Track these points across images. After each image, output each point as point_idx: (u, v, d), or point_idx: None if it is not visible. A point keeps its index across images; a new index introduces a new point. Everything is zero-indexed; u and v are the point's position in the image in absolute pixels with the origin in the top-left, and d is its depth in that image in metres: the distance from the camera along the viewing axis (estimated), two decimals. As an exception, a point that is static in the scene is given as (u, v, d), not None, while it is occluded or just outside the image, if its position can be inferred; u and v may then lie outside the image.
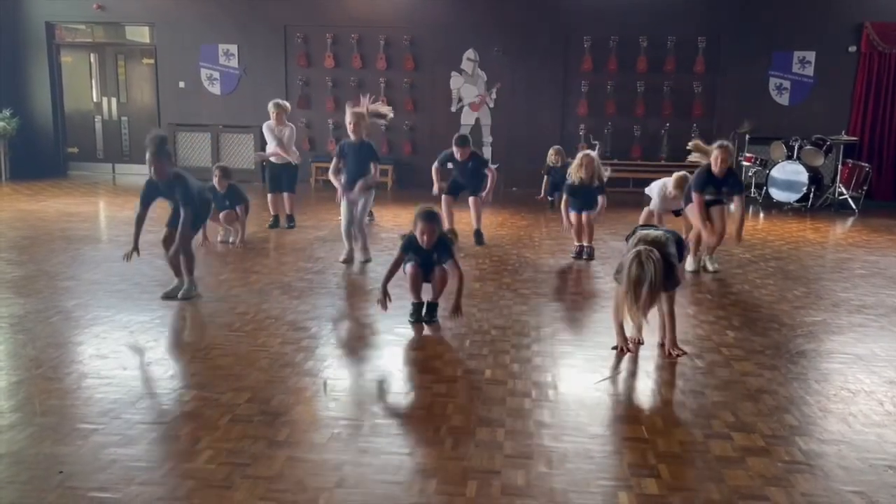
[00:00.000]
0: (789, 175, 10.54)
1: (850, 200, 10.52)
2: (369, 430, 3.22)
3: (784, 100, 11.83)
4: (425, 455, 3.03)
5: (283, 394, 3.60)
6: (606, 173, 6.88)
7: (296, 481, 2.77)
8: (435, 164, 7.72)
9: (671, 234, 4.30)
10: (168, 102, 12.77)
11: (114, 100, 13.15)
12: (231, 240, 7.25)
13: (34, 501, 2.61)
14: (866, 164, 10.84)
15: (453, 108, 12.26)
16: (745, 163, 11.12)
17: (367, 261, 6.50)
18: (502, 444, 3.10)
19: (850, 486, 2.82)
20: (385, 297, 4.62)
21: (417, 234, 4.67)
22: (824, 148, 10.64)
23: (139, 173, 13.01)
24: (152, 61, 12.82)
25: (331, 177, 6.57)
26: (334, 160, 6.55)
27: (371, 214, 8.64)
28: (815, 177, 10.64)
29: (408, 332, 4.63)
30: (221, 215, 7.19)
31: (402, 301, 5.00)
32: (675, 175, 7.00)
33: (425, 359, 4.23)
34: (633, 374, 4.03)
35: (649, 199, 7.48)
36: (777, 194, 10.63)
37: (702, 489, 2.78)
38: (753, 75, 11.72)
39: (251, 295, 5.40)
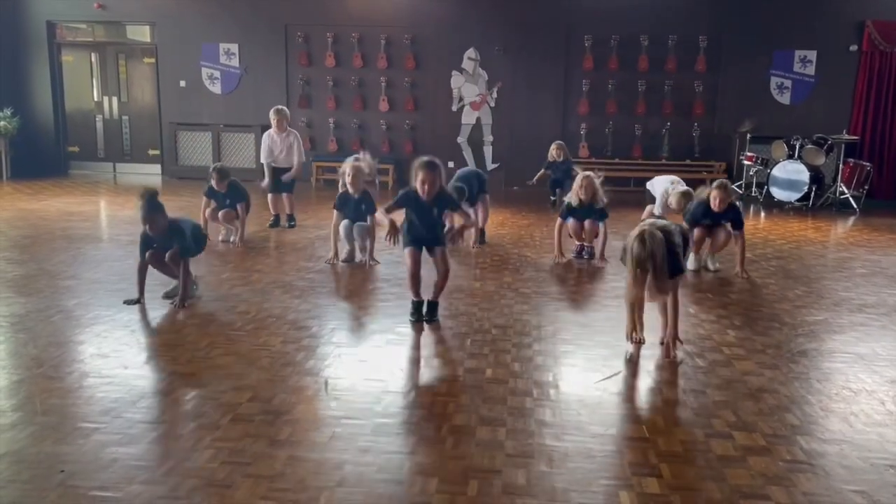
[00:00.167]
0: (790, 174, 10.53)
1: (851, 199, 10.51)
2: (370, 430, 3.22)
3: (785, 99, 11.82)
4: (426, 454, 3.03)
5: (285, 393, 3.60)
6: (605, 200, 6.70)
7: (297, 480, 2.77)
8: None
9: (678, 227, 4.33)
10: (169, 101, 12.77)
11: (115, 99, 13.15)
12: (231, 239, 7.25)
13: (35, 500, 2.61)
14: (867, 164, 10.83)
15: (454, 108, 12.25)
16: (746, 162, 11.11)
17: (365, 261, 6.46)
18: (503, 443, 3.10)
19: (852, 485, 2.82)
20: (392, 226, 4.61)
21: (418, 184, 4.53)
22: (825, 147, 10.63)
23: (140, 172, 13.03)
24: (153, 60, 12.82)
25: (333, 235, 6.42)
26: (335, 215, 6.39)
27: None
28: (817, 176, 10.63)
29: (409, 331, 4.63)
30: (221, 214, 7.18)
31: (403, 301, 5.00)
32: (678, 191, 6.95)
33: (426, 358, 4.23)
34: (634, 373, 4.02)
35: (650, 196, 7.48)
36: (778, 193, 10.62)
37: (703, 488, 2.78)
38: (754, 74, 11.71)
39: (252, 294, 5.40)
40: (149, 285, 5.16)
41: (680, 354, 4.25)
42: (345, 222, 6.47)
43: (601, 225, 6.68)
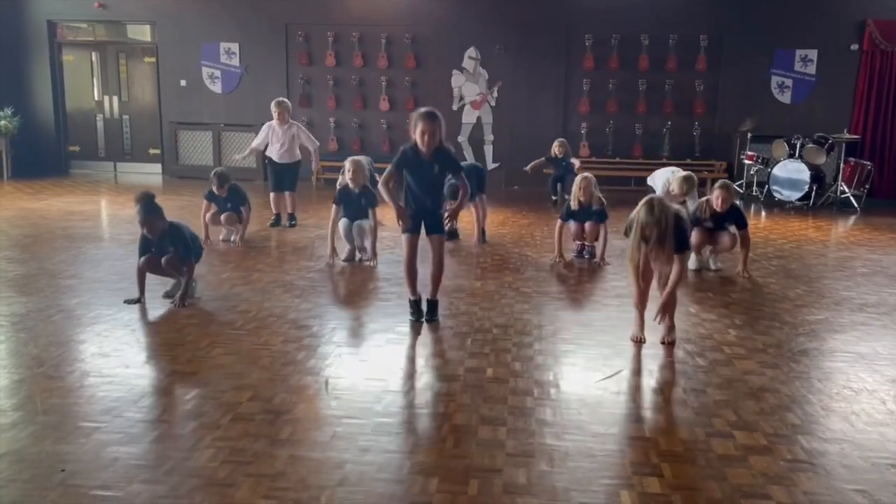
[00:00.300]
0: (791, 173, 10.52)
1: (852, 199, 10.50)
2: (371, 429, 3.22)
3: (786, 98, 11.81)
4: (427, 454, 3.03)
5: (285, 392, 3.60)
6: (604, 201, 6.70)
7: (298, 480, 2.77)
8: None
9: (685, 211, 4.40)
10: (169, 101, 12.76)
11: (115, 98, 13.15)
12: (232, 238, 7.24)
13: (36, 500, 2.62)
14: (868, 163, 10.82)
15: (455, 107, 12.24)
16: (746, 161, 11.11)
17: (367, 259, 6.47)
18: (504, 442, 3.10)
19: (853, 484, 2.82)
20: (399, 208, 4.55)
21: (417, 136, 4.39)
22: (826, 146, 10.62)
23: (140, 171, 13.03)
24: (154, 60, 12.82)
25: (330, 233, 6.41)
26: (334, 210, 6.37)
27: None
28: (817, 175, 10.62)
29: (409, 330, 4.63)
30: (223, 217, 7.18)
31: (404, 300, 5.00)
32: (679, 176, 6.96)
33: (427, 357, 4.23)
34: (634, 372, 4.02)
35: (652, 191, 7.45)
36: (779, 193, 10.61)
37: (704, 488, 2.78)
38: (755, 73, 11.70)
39: (253, 293, 5.40)
40: (149, 285, 5.16)
41: (676, 351, 4.24)
42: (344, 221, 6.47)
43: (602, 226, 6.66)
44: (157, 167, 13.07)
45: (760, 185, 11.16)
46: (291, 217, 8.21)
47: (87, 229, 7.87)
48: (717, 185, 6.30)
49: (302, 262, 6.46)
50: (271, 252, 7.04)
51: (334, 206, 6.40)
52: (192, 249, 5.17)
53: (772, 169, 10.69)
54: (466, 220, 7.89)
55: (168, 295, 5.19)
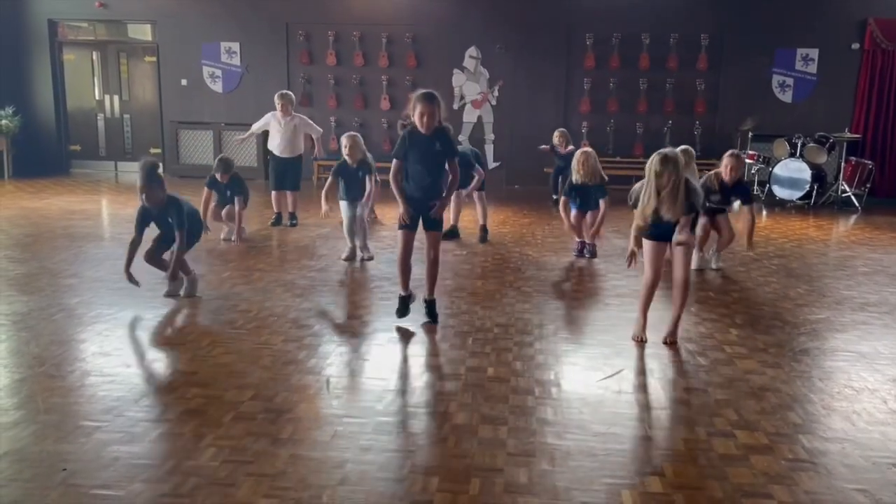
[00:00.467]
0: (792, 172, 10.51)
1: (853, 198, 10.50)
2: (372, 428, 3.22)
3: (787, 97, 11.80)
4: (428, 453, 3.03)
5: (287, 391, 3.60)
6: (605, 177, 6.72)
7: (299, 479, 2.77)
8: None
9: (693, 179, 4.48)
10: (170, 100, 12.76)
11: (116, 97, 13.15)
12: (233, 238, 7.24)
13: (37, 499, 2.62)
14: (869, 162, 10.81)
15: (455, 106, 12.24)
16: (747, 160, 11.09)
17: (368, 258, 6.49)
18: (505, 441, 3.10)
19: (854, 484, 2.82)
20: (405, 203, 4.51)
21: (416, 117, 4.42)
22: (827, 145, 10.61)
23: (141, 171, 13.01)
24: (154, 59, 12.82)
25: (324, 196, 6.48)
26: (330, 180, 6.48)
27: (373, 212, 8.64)
28: (819, 174, 10.61)
29: (410, 329, 4.63)
30: (224, 212, 7.18)
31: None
32: (678, 149, 6.83)
33: (428, 356, 4.23)
34: (635, 371, 4.02)
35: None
36: (780, 192, 10.61)
37: (705, 487, 2.78)
38: (756, 73, 11.69)
39: (254, 293, 5.40)
40: (149, 284, 5.16)
41: (690, 346, 4.24)
42: (346, 212, 6.47)
43: (601, 202, 6.66)
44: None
45: (761, 184, 11.15)
46: (292, 216, 8.19)
47: (88, 228, 7.87)
48: (726, 154, 6.26)
49: (303, 262, 6.46)
50: (272, 251, 7.04)
51: (332, 177, 6.46)
52: (192, 225, 5.15)
53: (773, 168, 10.68)
54: (468, 220, 7.89)
55: (169, 294, 5.19)
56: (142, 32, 13.15)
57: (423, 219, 4.62)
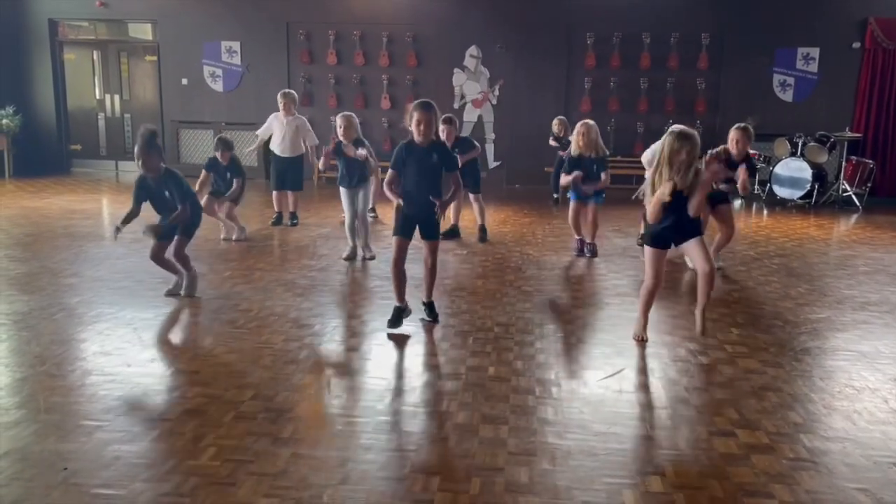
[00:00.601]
0: (793, 172, 10.51)
1: (853, 197, 10.49)
2: (373, 427, 3.22)
3: (788, 96, 11.79)
4: (429, 452, 3.03)
5: (287, 391, 3.60)
6: (606, 150, 6.62)
7: (300, 478, 2.77)
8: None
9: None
10: (171, 99, 12.77)
11: (117, 97, 13.16)
12: (234, 237, 7.24)
13: (39, 498, 2.62)
14: (870, 161, 10.80)
15: (456, 105, 12.23)
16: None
17: (370, 258, 6.49)
18: (506, 441, 3.10)
19: (855, 483, 2.82)
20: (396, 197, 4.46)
21: (413, 126, 4.36)
22: (828, 145, 10.61)
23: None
24: (155, 58, 12.82)
25: (321, 165, 6.45)
26: (323, 159, 6.43)
27: (374, 211, 8.64)
28: (819, 174, 10.61)
29: (411, 329, 4.62)
30: (223, 211, 7.17)
31: (405, 298, 5.00)
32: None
33: (428, 356, 4.23)
34: (636, 371, 4.02)
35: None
36: (781, 191, 10.60)
37: (706, 486, 2.78)
38: (757, 72, 11.68)
39: (254, 292, 5.40)
40: (150, 284, 5.17)
41: (678, 350, 4.24)
42: (348, 218, 6.47)
43: (602, 175, 6.55)
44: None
45: (762, 183, 11.14)
46: (293, 216, 8.18)
47: (89, 228, 7.88)
48: (733, 127, 6.09)
49: (303, 261, 6.47)
50: (273, 251, 7.04)
51: (325, 151, 6.40)
52: (192, 205, 5.13)
53: (774, 167, 10.68)
54: (468, 219, 7.88)
55: (170, 293, 5.19)
56: (142, 32, 13.15)
57: (420, 228, 4.55)
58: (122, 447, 2.98)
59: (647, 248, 4.32)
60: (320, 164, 6.54)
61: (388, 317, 4.63)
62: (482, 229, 7.52)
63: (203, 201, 7.06)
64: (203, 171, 7.18)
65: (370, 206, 7.22)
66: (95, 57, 13.06)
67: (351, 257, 6.47)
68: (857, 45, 11.43)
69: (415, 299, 4.82)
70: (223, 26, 12.40)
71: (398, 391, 3.66)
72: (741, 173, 5.86)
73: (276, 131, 8.09)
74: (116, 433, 3.10)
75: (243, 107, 12.41)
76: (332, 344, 4.36)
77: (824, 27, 11.47)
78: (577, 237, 6.89)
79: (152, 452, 2.97)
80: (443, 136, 7.12)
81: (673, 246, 4.29)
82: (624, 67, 11.80)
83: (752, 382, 3.82)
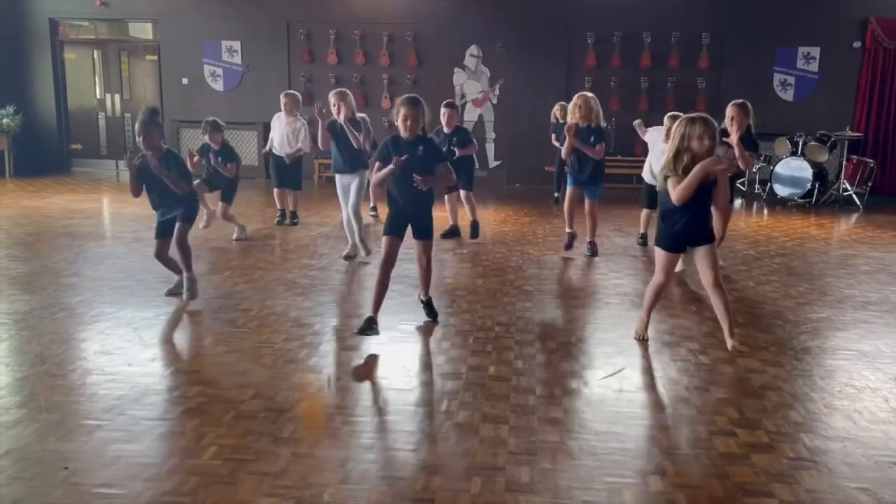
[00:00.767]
0: (794, 171, 10.50)
1: (854, 196, 10.49)
2: (373, 427, 3.22)
3: (788, 96, 11.79)
4: (429, 451, 3.03)
5: (288, 390, 3.60)
6: (604, 123, 6.46)
7: (300, 477, 2.77)
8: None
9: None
10: (171, 99, 12.77)
11: (117, 96, 13.16)
12: (234, 236, 7.24)
13: (39, 497, 2.62)
14: (871, 160, 10.80)
15: (456, 104, 12.23)
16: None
17: (367, 253, 6.43)
18: (506, 440, 3.10)
19: (856, 482, 2.82)
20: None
21: (399, 121, 4.34)
22: (829, 144, 10.60)
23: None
24: (155, 58, 12.82)
25: (319, 144, 6.34)
26: (321, 133, 6.26)
27: (375, 210, 8.64)
28: (820, 173, 10.60)
29: (411, 328, 4.63)
30: (220, 211, 7.16)
31: (406, 298, 5.00)
32: (666, 122, 6.40)
33: (429, 355, 4.23)
34: (637, 370, 4.02)
35: (645, 197, 7.24)
36: (781, 190, 10.60)
37: (707, 486, 2.78)
38: (757, 71, 11.68)
39: (255, 291, 5.40)
40: (151, 283, 5.16)
41: (679, 349, 4.24)
42: (344, 212, 6.45)
43: (598, 147, 6.40)
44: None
45: (763, 182, 11.14)
46: (293, 215, 8.19)
47: (89, 227, 7.88)
48: (730, 104, 5.86)
49: (304, 260, 6.47)
50: (273, 250, 7.04)
51: (321, 132, 6.27)
52: (190, 178, 5.07)
53: (774, 167, 10.67)
54: (466, 219, 7.87)
55: (171, 293, 5.19)
56: (143, 31, 13.15)
57: (413, 228, 4.49)
58: (123, 446, 2.98)
59: (659, 251, 4.23)
60: (320, 144, 6.40)
61: (387, 316, 4.64)
62: (474, 225, 7.42)
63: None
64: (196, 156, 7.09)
65: (371, 204, 7.18)
66: (96, 56, 13.06)
67: (351, 256, 6.47)
68: (857, 44, 11.43)
69: (413, 299, 4.82)
70: (224, 26, 12.40)
71: (398, 390, 3.66)
72: (737, 149, 5.63)
73: (276, 131, 8.11)
74: (117, 432, 3.11)
75: (244, 106, 12.41)
76: (332, 343, 4.36)
77: (825, 27, 11.47)
78: (567, 230, 6.75)
79: (153, 452, 2.97)
80: (444, 119, 7.12)
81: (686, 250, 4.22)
82: (624, 67, 11.80)
83: (753, 382, 3.82)
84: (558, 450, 3.02)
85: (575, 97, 6.55)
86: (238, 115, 12.45)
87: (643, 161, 11.67)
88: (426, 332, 4.58)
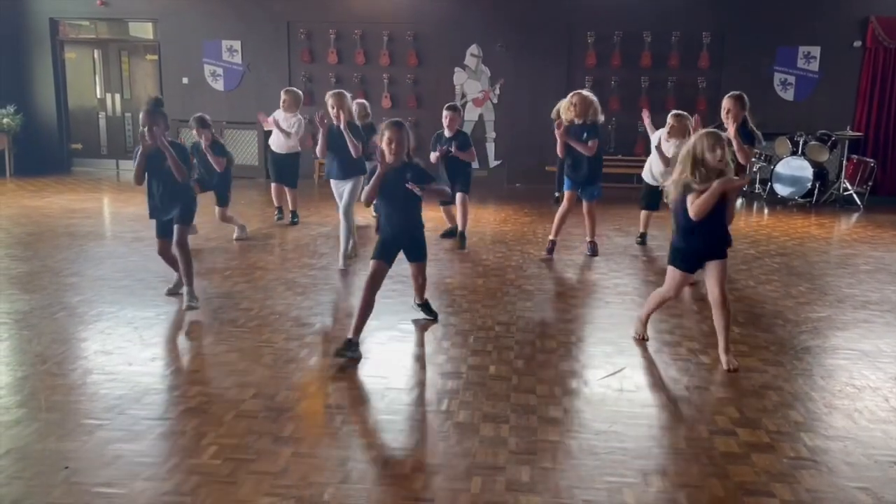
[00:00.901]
0: (794, 171, 10.50)
1: (854, 196, 10.48)
2: (374, 426, 3.22)
3: (789, 95, 11.78)
4: (430, 451, 3.03)
5: (288, 390, 3.60)
6: (601, 118, 6.42)
7: (300, 477, 2.77)
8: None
9: None
10: (171, 98, 12.72)
11: (117, 96, 13.15)
12: (235, 236, 7.24)
13: (40, 497, 2.62)
14: (871, 160, 10.79)
15: (457, 104, 12.23)
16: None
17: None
18: (507, 440, 3.10)
19: (856, 482, 2.82)
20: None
21: (384, 144, 4.24)
22: (829, 143, 10.59)
23: (143, 169, 13.00)
24: (156, 57, 12.81)
25: (318, 151, 6.29)
26: (321, 141, 6.16)
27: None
28: (820, 172, 10.60)
29: (412, 327, 4.63)
30: (217, 216, 7.14)
31: (406, 297, 5.00)
32: (672, 114, 6.33)
33: (429, 355, 4.23)
34: (637, 370, 4.02)
35: (645, 198, 7.23)
36: (782, 190, 10.59)
37: (707, 485, 2.78)
38: (758, 71, 11.67)
39: (255, 291, 5.40)
40: (151, 283, 5.16)
41: (679, 349, 4.24)
42: (343, 218, 6.44)
43: (591, 143, 6.29)
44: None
45: (763, 182, 11.14)
46: (294, 214, 8.19)
47: (90, 227, 7.88)
48: (726, 96, 5.67)
49: (304, 260, 6.47)
50: (273, 250, 7.04)
51: (321, 139, 6.14)
52: (188, 196, 4.98)
53: (774, 166, 10.67)
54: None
55: (172, 293, 5.19)
56: (143, 31, 13.15)
57: (405, 251, 4.39)
58: (124, 446, 2.98)
59: (673, 269, 4.13)
60: (318, 152, 6.33)
61: (387, 316, 4.64)
62: (461, 236, 7.09)
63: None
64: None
65: (355, 197, 6.95)
66: (96, 56, 13.06)
67: (351, 256, 6.46)
68: (857, 43, 11.41)
69: (410, 296, 4.82)
70: (224, 25, 12.40)
71: (399, 390, 3.66)
72: (735, 142, 5.37)
73: (275, 128, 8.11)
74: (117, 432, 3.11)
75: (244, 106, 12.40)
76: (332, 343, 4.36)
77: (825, 26, 11.46)
78: (551, 238, 6.70)
79: (153, 451, 2.97)
80: (446, 122, 7.10)
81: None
82: (625, 66, 11.79)
83: (753, 381, 3.82)
84: (558, 449, 3.02)
85: (570, 95, 6.49)
86: (238, 115, 12.45)
87: (643, 161, 11.71)
88: (426, 331, 4.58)
